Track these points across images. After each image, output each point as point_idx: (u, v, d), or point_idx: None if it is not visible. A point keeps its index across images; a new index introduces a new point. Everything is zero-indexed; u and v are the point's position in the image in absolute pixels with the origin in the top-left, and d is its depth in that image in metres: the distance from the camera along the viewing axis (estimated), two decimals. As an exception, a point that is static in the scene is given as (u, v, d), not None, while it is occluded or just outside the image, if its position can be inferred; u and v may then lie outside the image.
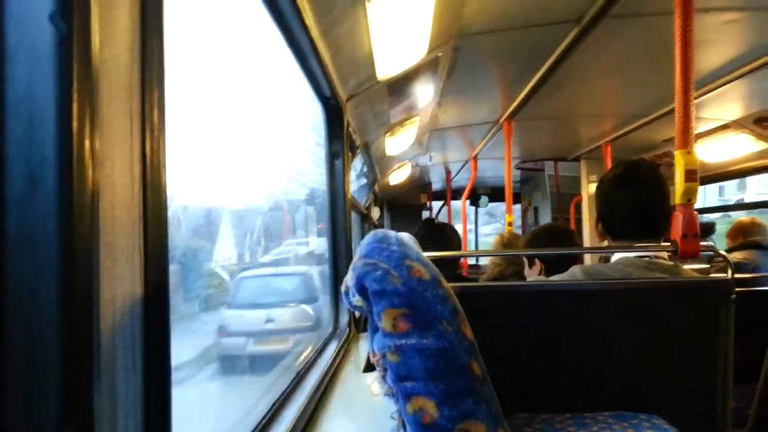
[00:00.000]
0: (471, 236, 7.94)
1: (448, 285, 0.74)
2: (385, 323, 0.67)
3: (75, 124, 0.46)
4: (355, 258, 0.71)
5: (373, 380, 1.67)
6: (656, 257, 1.84)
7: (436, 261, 0.87)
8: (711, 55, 2.61)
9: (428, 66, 2.39)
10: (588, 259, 4.32)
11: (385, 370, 0.68)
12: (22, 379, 0.45)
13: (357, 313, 2.27)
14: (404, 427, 0.69)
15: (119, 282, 0.53)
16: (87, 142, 0.47)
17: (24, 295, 0.45)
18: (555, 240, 2.60)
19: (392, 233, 0.76)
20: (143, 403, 0.56)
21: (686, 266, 1.99)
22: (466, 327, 0.74)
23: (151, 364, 0.57)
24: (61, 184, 0.45)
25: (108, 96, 0.52)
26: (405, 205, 7.21)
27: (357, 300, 0.70)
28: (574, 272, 1.90)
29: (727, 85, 2.91)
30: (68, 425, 0.45)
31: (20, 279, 0.45)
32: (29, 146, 0.45)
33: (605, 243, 1.97)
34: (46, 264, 0.45)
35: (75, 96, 0.46)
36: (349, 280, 0.70)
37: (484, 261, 6.33)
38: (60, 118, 0.45)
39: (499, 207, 9.79)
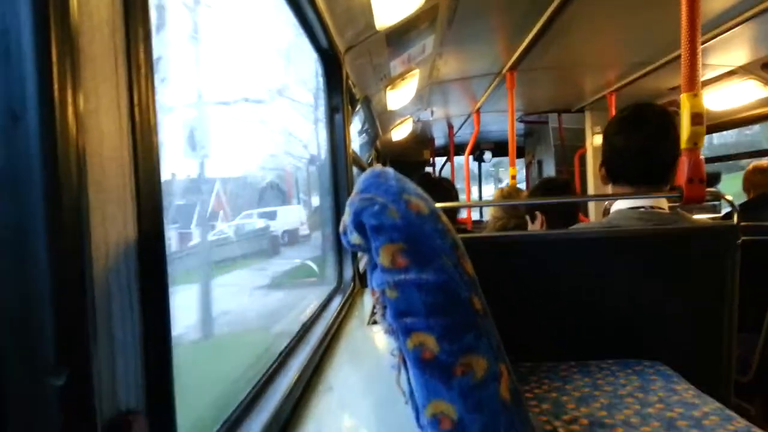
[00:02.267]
0: (474, 191, 7.92)
1: (447, 220, 0.73)
2: (383, 259, 0.66)
3: (54, 57, 0.44)
4: (353, 194, 0.70)
5: (378, 333, 1.69)
6: (655, 207, 1.82)
7: None
8: (717, -2, 2.55)
9: (427, 15, 2.34)
10: (592, 208, 4.32)
11: (384, 307, 0.67)
12: (14, 322, 0.44)
13: (361, 268, 2.28)
14: (405, 363, 0.69)
15: (111, 222, 0.52)
16: (68, 77, 0.45)
17: (10, 235, 0.44)
18: (553, 192, 2.60)
19: (390, 169, 0.74)
20: (142, 344, 0.55)
21: (698, 216, 1.98)
22: (466, 262, 0.73)
23: (148, 305, 0.56)
24: (43, 118, 0.44)
25: (90, 28, 0.50)
26: (408, 162, 7.17)
27: (355, 237, 0.69)
28: (569, 232, 1.89)
29: (733, 29, 2.84)
30: (64, 366, 0.45)
31: (5, 218, 0.44)
32: (6, 81, 0.43)
33: (609, 189, 1.95)
34: (32, 202, 0.44)
35: (52, 27, 0.44)
36: (346, 216, 0.69)
37: (488, 217, 6.33)
38: (38, 51, 0.44)
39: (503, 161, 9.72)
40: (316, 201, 2.73)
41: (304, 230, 2.76)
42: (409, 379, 0.69)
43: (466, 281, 0.69)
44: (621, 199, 1.90)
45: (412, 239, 0.66)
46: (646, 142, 1.80)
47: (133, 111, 0.56)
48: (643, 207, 1.82)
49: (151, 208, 0.58)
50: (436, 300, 0.65)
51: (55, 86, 0.44)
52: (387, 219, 0.65)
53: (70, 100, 0.46)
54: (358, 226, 0.67)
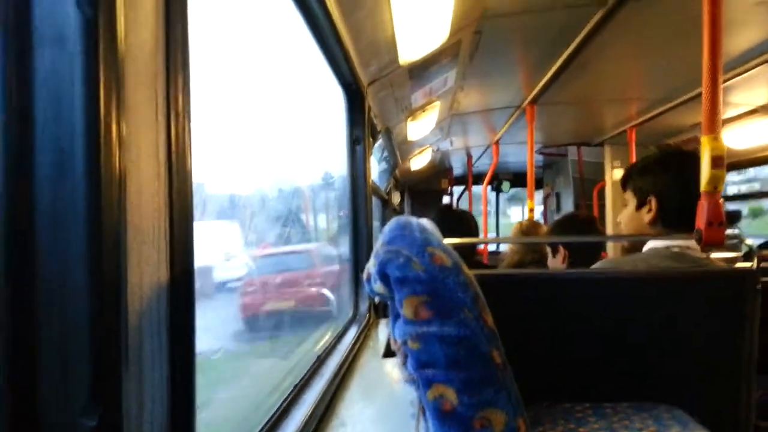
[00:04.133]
0: (492, 221, 7.90)
1: (470, 272, 0.74)
2: (406, 310, 0.67)
3: (102, 107, 0.46)
4: (378, 245, 0.71)
5: (393, 366, 1.68)
6: (689, 248, 1.82)
7: (454, 247, 0.87)
8: (740, 38, 2.55)
9: (450, 50, 2.37)
10: (610, 247, 4.28)
11: (405, 357, 0.68)
12: (53, 360, 0.45)
13: (376, 300, 2.28)
14: (424, 413, 0.69)
15: (146, 265, 0.54)
16: (114, 125, 0.48)
17: (54, 276, 0.45)
18: (577, 229, 2.58)
19: (414, 220, 0.76)
20: (169, 385, 0.56)
21: (720, 255, 1.96)
22: (487, 314, 0.74)
23: (176, 347, 0.57)
24: (89, 165, 0.46)
25: (134, 80, 0.52)
26: (426, 191, 7.18)
27: (379, 287, 0.70)
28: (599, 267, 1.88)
29: (756, 69, 2.84)
30: (97, 406, 0.46)
31: (50, 259, 0.45)
32: (58, 129, 0.46)
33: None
34: (76, 246, 0.46)
35: (101, 80, 0.46)
36: (371, 267, 0.70)
37: (504, 248, 6.29)
38: (87, 102, 0.46)
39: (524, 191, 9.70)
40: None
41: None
42: (428, 429, 0.69)
43: (487, 335, 0.70)
44: (643, 239, 1.90)
45: (435, 292, 0.66)
46: (690, 185, 1.81)
47: (170, 158, 0.58)
48: (678, 247, 1.81)
49: (183, 250, 0.60)
50: (457, 353, 0.65)
51: (101, 135, 0.46)
52: (411, 272, 0.66)
53: (114, 147, 0.48)
54: (383, 277, 0.68)
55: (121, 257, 0.49)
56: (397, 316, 0.70)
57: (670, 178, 1.88)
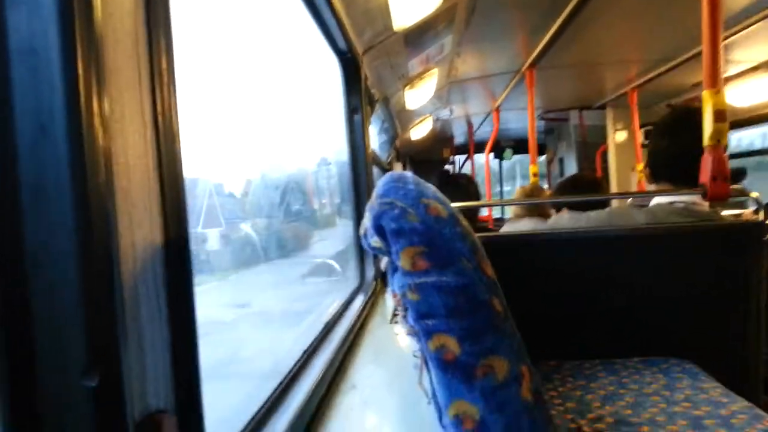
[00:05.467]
0: (495, 190, 7.87)
1: (467, 222, 0.74)
2: (403, 262, 0.67)
3: (80, 69, 0.46)
4: (372, 198, 0.71)
5: (401, 330, 1.69)
6: (695, 203, 1.82)
7: None
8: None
9: (445, 14, 2.34)
10: (615, 205, 4.28)
11: (405, 309, 0.68)
12: (47, 326, 0.45)
13: (383, 267, 2.28)
14: (426, 364, 0.70)
15: (138, 228, 0.54)
16: (94, 87, 0.47)
17: (41, 242, 0.45)
18: (581, 190, 2.58)
19: (409, 173, 0.75)
20: (170, 345, 0.57)
21: (728, 212, 1.97)
22: (486, 265, 0.74)
23: (175, 307, 0.58)
24: (71, 128, 0.45)
25: (113, 40, 0.51)
26: (427, 160, 7.16)
27: (375, 241, 0.70)
28: (601, 214, 1.88)
29: (756, 25, 2.80)
30: (95, 371, 0.46)
31: (36, 226, 0.45)
32: (36, 93, 0.45)
33: (653, 186, 1.97)
34: (62, 210, 0.45)
35: (78, 40, 0.46)
36: (366, 221, 0.70)
37: (509, 215, 6.29)
38: (65, 63, 0.45)
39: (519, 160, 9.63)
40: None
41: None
42: (431, 379, 0.69)
43: (486, 283, 0.70)
44: (647, 196, 1.90)
45: (432, 242, 0.66)
46: (683, 145, 1.84)
47: (156, 119, 0.57)
48: (683, 203, 1.82)
49: (175, 212, 0.60)
50: (456, 302, 0.66)
51: (81, 97, 0.46)
52: (406, 223, 0.66)
53: (95, 110, 0.47)
54: (378, 229, 0.68)
55: (110, 221, 0.49)
56: (395, 269, 0.70)
57: (658, 135, 1.93)
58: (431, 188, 0.74)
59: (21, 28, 0.45)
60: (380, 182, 0.73)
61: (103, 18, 0.49)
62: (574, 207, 2.50)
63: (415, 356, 0.72)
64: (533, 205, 2.96)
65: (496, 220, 6.57)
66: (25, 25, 0.45)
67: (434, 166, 7.16)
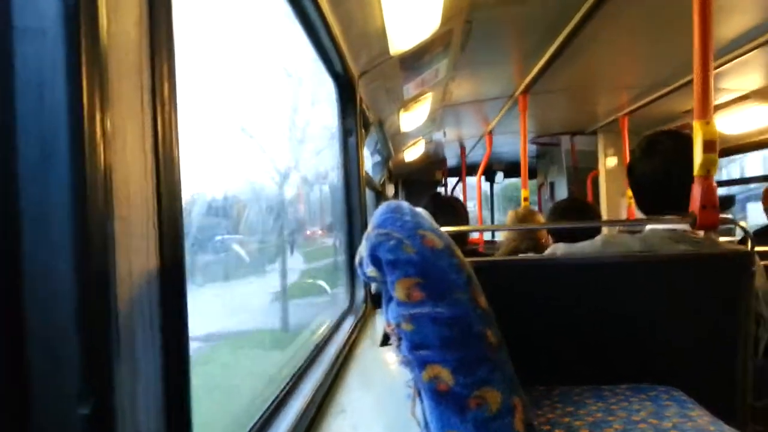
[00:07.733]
0: (486, 213, 7.90)
1: (462, 254, 0.74)
2: (399, 293, 0.67)
3: (85, 98, 0.46)
4: (369, 228, 0.71)
5: (390, 355, 1.69)
6: (687, 230, 1.83)
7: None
8: (731, 24, 2.55)
9: (441, 40, 2.37)
10: (605, 232, 4.31)
11: (399, 339, 0.68)
12: (43, 352, 0.45)
13: (373, 289, 2.28)
14: (420, 395, 0.70)
15: (135, 256, 0.54)
16: (98, 116, 0.47)
17: (40, 269, 0.45)
18: (574, 215, 2.59)
19: (405, 204, 0.76)
20: (163, 375, 0.57)
21: (723, 239, 1.97)
22: (480, 296, 0.74)
23: (168, 333, 0.58)
24: (74, 157, 0.45)
25: (117, 70, 0.52)
26: (420, 182, 7.19)
27: (371, 270, 0.70)
28: (596, 242, 1.89)
29: (747, 55, 2.85)
30: (90, 394, 0.46)
31: (36, 253, 0.45)
32: (40, 122, 0.45)
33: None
34: (62, 238, 0.45)
35: (84, 71, 0.46)
36: (362, 250, 0.71)
37: (500, 237, 6.31)
38: (70, 93, 0.45)
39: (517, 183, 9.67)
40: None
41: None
42: (424, 410, 0.69)
43: (480, 315, 0.70)
44: (636, 225, 1.91)
45: (427, 274, 0.67)
46: (656, 171, 1.81)
47: (157, 147, 0.58)
48: (676, 229, 1.82)
49: (172, 239, 0.60)
50: (450, 333, 0.66)
51: (85, 126, 0.46)
52: (402, 254, 0.66)
53: (98, 139, 0.47)
54: (375, 260, 0.69)
55: (108, 249, 0.49)
56: (390, 299, 0.70)
57: (632, 163, 1.90)
58: (427, 219, 0.75)
59: (28, 60, 0.45)
60: (377, 212, 0.74)
61: (110, 47, 0.50)
62: (566, 233, 2.51)
63: (408, 386, 0.72)
64: (525, 231, 2.97)
65: (488, 242, 6.58)
66: (33, 57, 0.45)
67: (426, 187, 7.18)
